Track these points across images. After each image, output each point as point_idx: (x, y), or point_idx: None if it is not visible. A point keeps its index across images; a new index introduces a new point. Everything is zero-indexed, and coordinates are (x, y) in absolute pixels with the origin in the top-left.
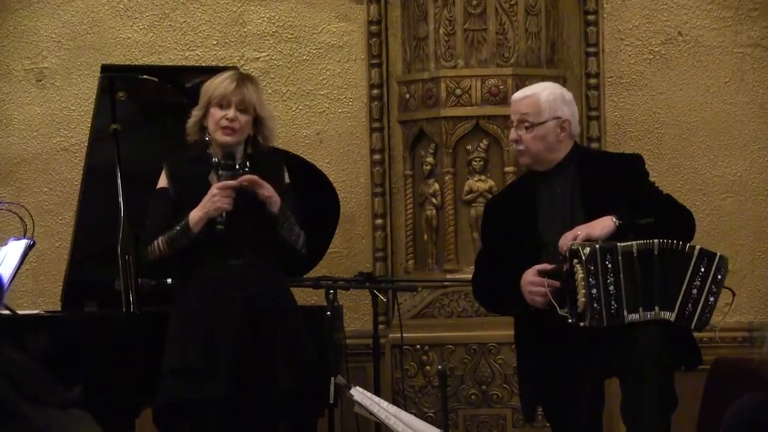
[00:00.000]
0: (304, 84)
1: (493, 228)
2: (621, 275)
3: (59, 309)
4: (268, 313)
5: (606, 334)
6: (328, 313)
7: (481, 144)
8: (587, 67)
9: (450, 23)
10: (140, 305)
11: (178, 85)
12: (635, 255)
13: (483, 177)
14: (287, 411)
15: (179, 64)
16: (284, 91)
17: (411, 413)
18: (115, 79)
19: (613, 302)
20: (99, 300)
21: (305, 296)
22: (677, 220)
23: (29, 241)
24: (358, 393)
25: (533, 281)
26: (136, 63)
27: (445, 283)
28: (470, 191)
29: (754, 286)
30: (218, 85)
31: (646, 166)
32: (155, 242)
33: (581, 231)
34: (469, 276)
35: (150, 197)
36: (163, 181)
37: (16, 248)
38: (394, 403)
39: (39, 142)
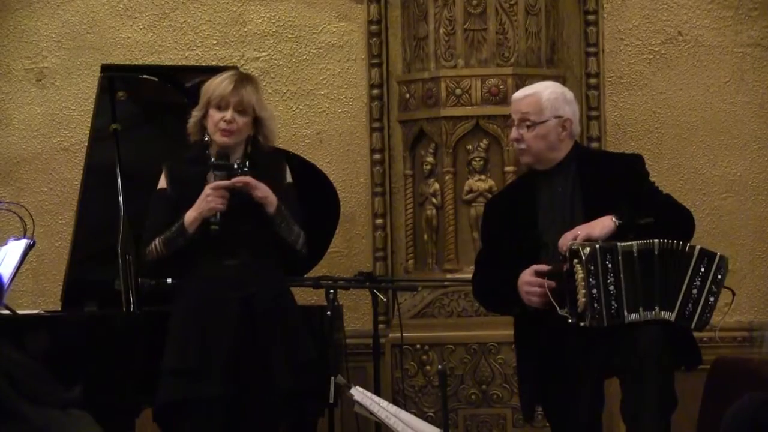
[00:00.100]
0: (304, 84)
1: (493, 228)
2: (621, 275)
3: (59, 309)
4: (266, 313)
5: (606, 334)
6: (328, 312)
7: (481, 144)
8: (587, 67)
9: (450, 23)
10: (140, 305)
11: (178, 85)
12: (635, 255)
13: (483, 177)
14: (287, 411)
15: (179, 63)
16: (284, 91)
17: (411, 413)
18: (115, 79)
19: (613, 302)
20: (99, 300)
21: (305, 296)
22: (677, 220)
23: (29, 240)
24: (358, 393)
25: (530, 281)
26: (136, 63)
27: (445, 283)
28: (470, 191)
29: (754, 286)
30: (217, 86)
31: (646, 166)
32: (153, 243)
33: (581, 231)
34: (469, 276)
35: (150, 197)
36: (162, 182)
37: (16, 248)
38: (394, 402)
39: (39, 142)
